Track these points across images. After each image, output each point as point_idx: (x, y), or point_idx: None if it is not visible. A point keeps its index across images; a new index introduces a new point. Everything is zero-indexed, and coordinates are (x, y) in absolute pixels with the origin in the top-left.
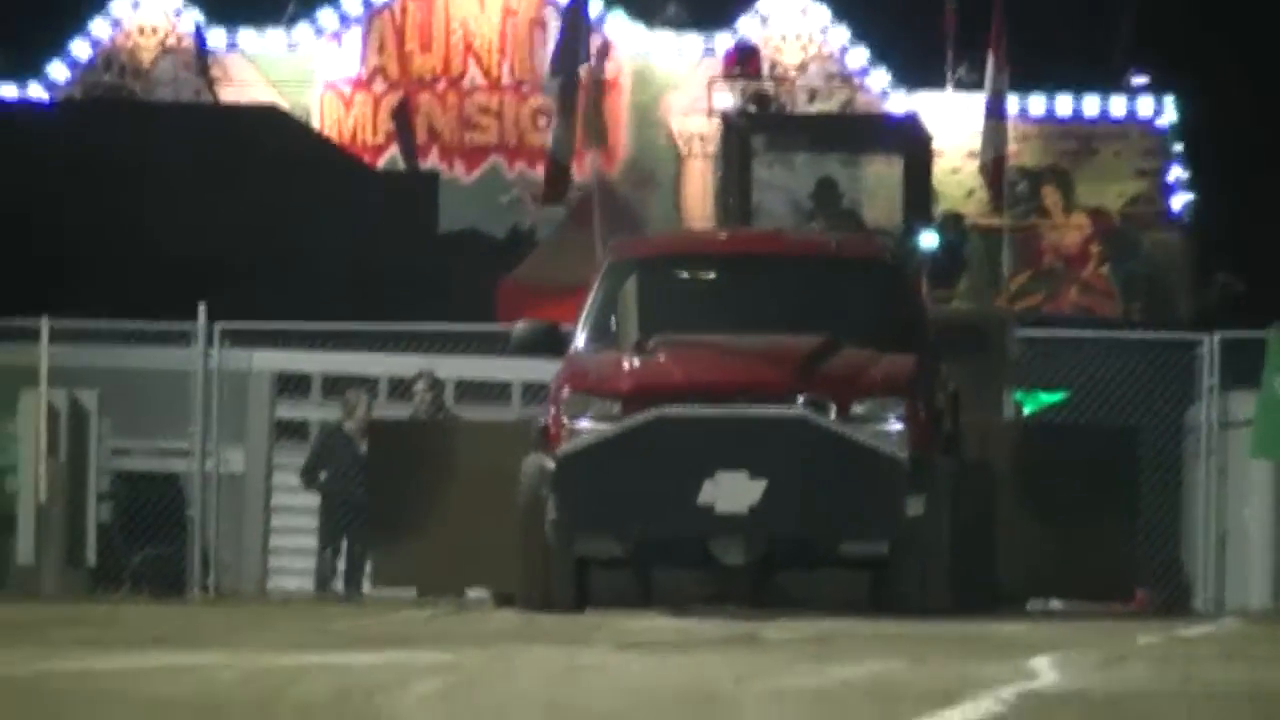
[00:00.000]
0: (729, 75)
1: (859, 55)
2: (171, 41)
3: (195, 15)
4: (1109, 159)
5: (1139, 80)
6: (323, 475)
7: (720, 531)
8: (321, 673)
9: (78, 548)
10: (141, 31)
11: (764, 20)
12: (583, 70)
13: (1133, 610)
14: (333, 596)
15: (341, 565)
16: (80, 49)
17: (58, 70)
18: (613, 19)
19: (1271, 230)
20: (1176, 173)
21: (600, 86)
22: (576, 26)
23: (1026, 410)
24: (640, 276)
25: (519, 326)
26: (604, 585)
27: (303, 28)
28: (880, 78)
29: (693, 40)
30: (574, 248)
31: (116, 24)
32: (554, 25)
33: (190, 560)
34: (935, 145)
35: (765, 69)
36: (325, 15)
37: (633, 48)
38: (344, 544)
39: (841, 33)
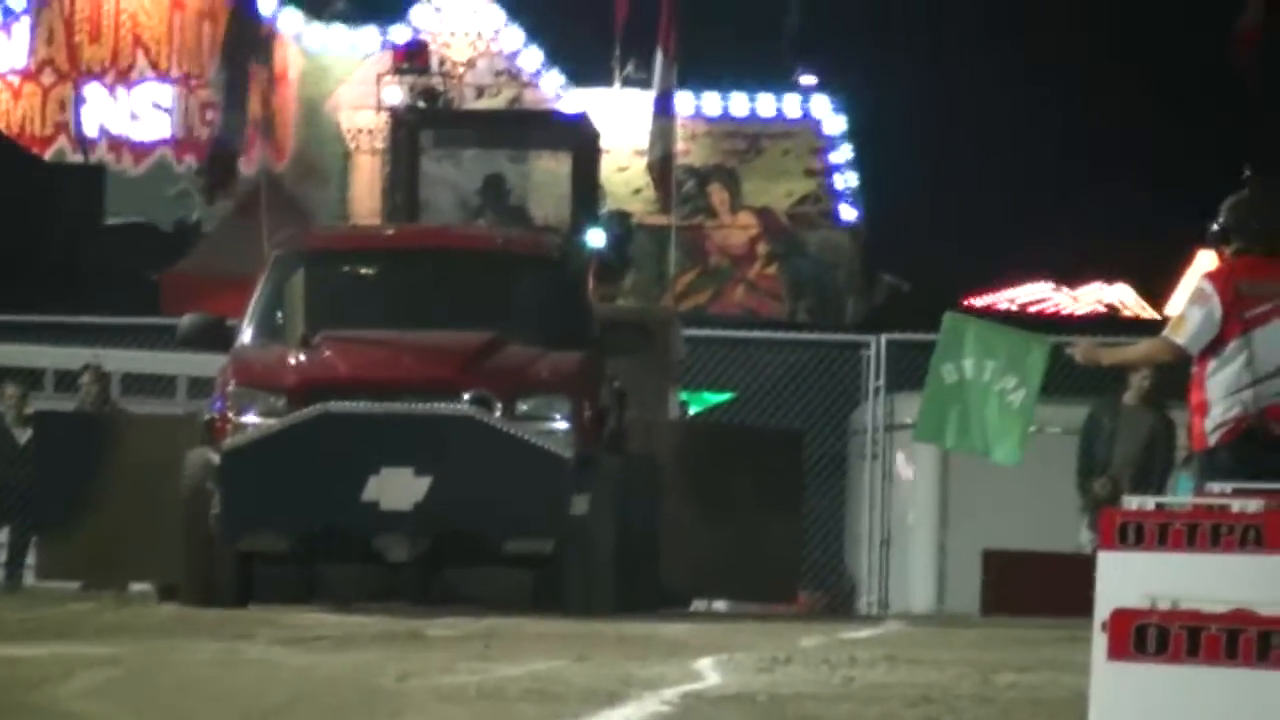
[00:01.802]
0: (398, 70)
1: (533, 57)
2: None
3: None
4: (776, 158)
5: (806, 80)
6: None
7: (384, 528)
8: None
9: None
10: None
11: (438, 9)
12: (252, 64)
13: (796, 612)
14: None
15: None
16: None
17: None
18: (284, 13)
19: (937, 231)
20: (845, 180)
21: (270, 79)
22: (243, 19)
23: (692, 410)
24: (307, 271)
25: (185, 319)
26: (268, 580)
27: None
28: (554, 79)
29: (367, 33)
30: (240, 241)
31: None
32: (223, 19)
33: None
34: (603, 143)
35: (434, 64)
36: None
37: (303, 41)
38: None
39: (516, 34)
